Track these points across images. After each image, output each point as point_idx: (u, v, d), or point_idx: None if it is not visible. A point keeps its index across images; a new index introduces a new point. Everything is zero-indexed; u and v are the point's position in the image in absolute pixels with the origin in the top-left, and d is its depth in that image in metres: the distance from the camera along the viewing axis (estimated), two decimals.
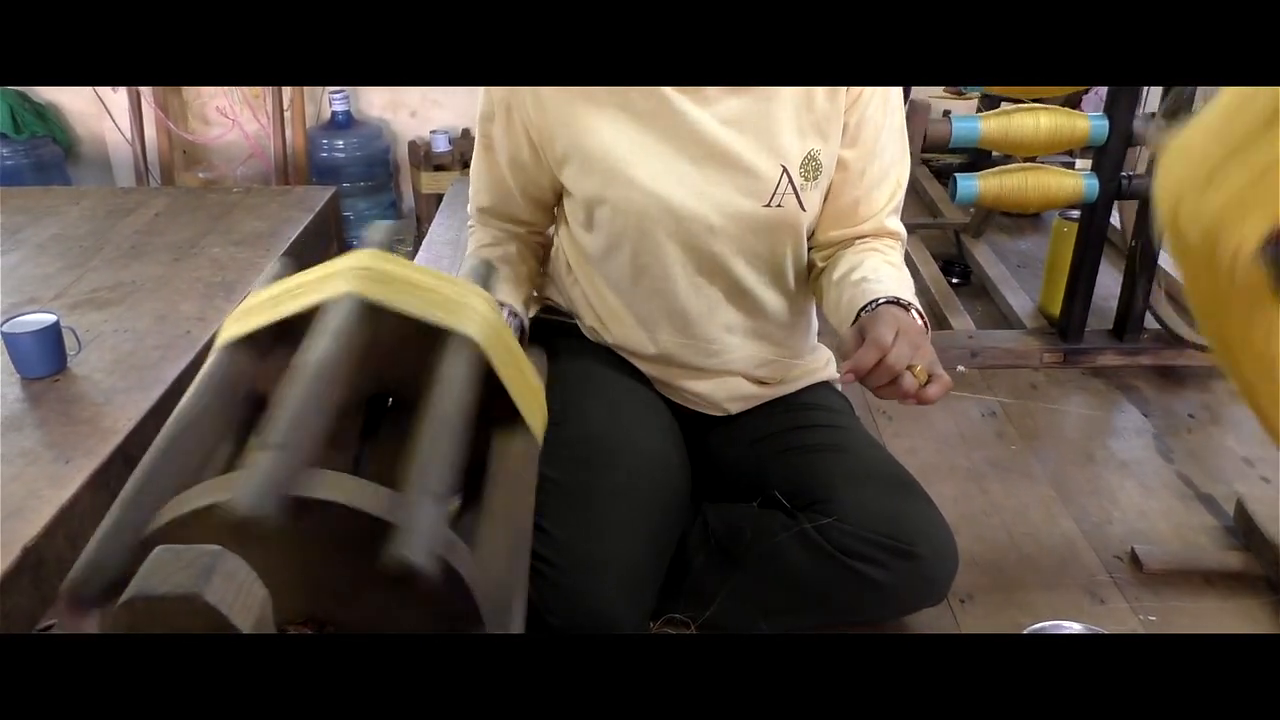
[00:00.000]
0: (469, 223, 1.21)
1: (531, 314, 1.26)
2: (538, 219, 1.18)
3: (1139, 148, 1.48)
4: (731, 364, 1.16)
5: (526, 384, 0.69)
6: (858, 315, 0.99)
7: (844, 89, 1.04)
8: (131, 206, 2.27)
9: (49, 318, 1.58)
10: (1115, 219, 1.98)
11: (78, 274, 1.94)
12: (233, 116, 2.94)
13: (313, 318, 0.60)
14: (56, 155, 2.99)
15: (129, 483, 0.55)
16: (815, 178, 1.06)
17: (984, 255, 1.96)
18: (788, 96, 1.03)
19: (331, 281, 0.63)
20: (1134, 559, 1.20)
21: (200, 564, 0.46)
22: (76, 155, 3.06)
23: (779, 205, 1.05)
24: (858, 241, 1.11)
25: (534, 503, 0.69)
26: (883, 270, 1.05)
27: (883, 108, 1.07)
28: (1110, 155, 1.46)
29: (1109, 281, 1.81)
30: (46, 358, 1.57)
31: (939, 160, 2.44)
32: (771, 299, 1.13)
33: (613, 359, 1.18)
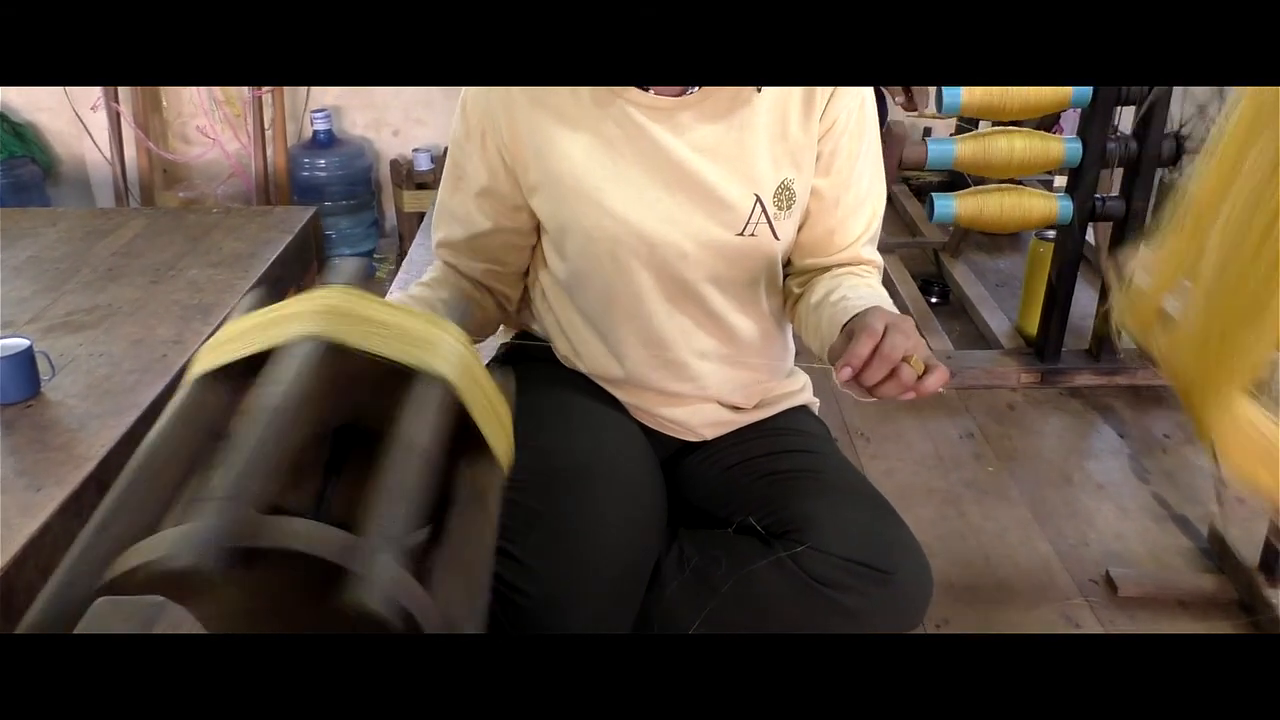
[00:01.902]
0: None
1: (507, 339, 1.26)
2: (502, 257, 1.15)
3: (1112, 169, 1.49)
4: (706, 390, 1.15)
5: (494, 415, 0.68)
6: (841, 331, 0.98)
7: (817, 118, 1.04)
8: (110, 228, 2.26)
9: (22, 342, 1.57)
10: (1092, 237, 2.00)
11: (53, 297, 1.93)
12: (213, 135, 2.94)
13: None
14: (35, 176, 2.98)
15: (89, 524, 0.54)
16: (789, 207, 1.06)
17: (962, 274, 1.97)
18: (761, 126, 1.03)
19: (295, 321, 0.63)
20: (1109, 582, 1.20)
21: (141, 616, 0.45)
22: (56, 175, 3.05)
23: (752, 234, 1.05)
24: (834, 269, 1.11)
25: (494, 535, 0.68)
26: (861, 289, 1.05)
27: (858, 137, 1.07)
28: (1084, 178, 1.47)
29: (1086, 300, 1.82)
30: (19, 383, 1.56)
31: (919, 178, 2.45)
32: (745, 325, 1.13)
33: (588, 386, 1.17)
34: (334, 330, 0.61)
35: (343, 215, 2.97)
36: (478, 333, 1.18)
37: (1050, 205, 1.48)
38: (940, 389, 0.88)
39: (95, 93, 2.87)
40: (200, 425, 0.61)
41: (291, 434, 0.55)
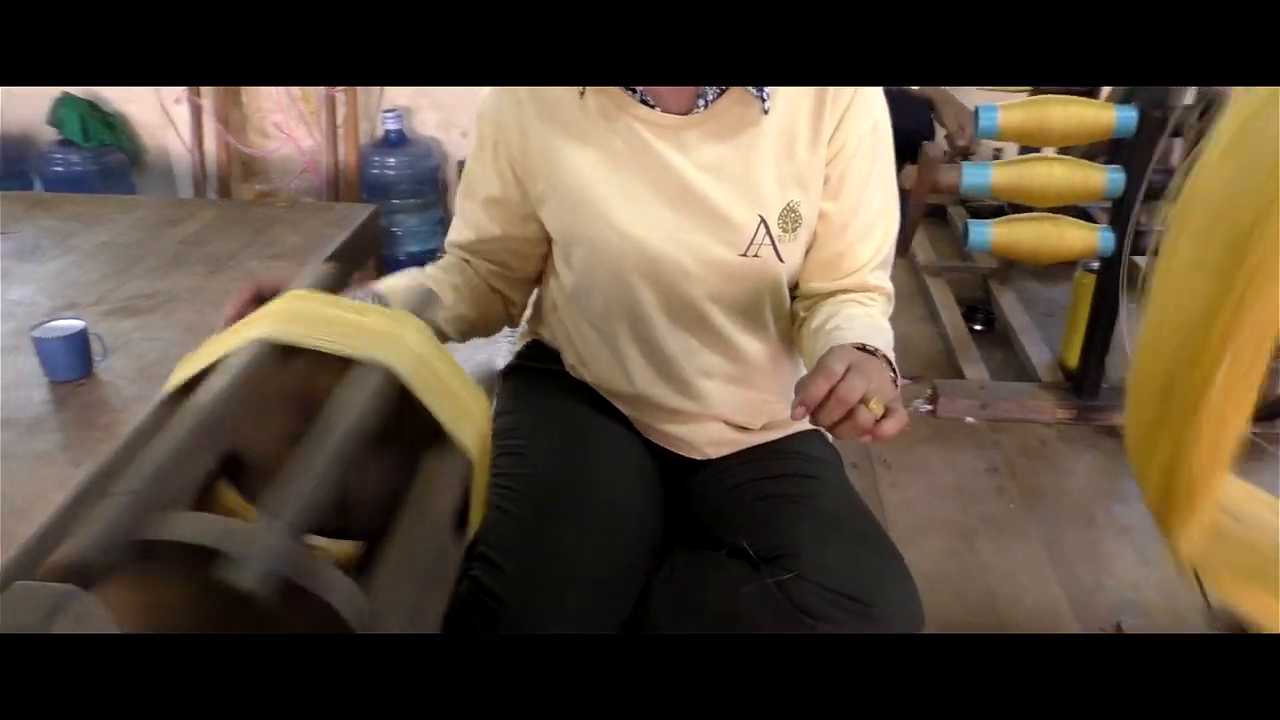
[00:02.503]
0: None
1: (518, 347, 1.27)
2: (508, 261, 1.17)
3: (1158, 201, 1.44)
4: (709, 409, 1.15)
5: (455, 402, 0.69)
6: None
7: (825, 140, 1.03)
8: (180, 217, 2.35)
9: (78, 324, 1.65)
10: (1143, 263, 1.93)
11: (119, 281, 2.02)
12: (288, 131, 3.03)
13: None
14: (122, 163, 3.11)
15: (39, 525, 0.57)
16: (794, 229, 1.05)
17: (1010, 302, 1.92)
18: (769, 147, 1.03)
19: (249, 326, 0.65)
20: (1119, 634, 1.16)
21: (49, 604, 0.47)
22: (142, 164, 3.18)
23: (755, 255, 1.05)
24: (840, 294, 1.10)
25: (450, 527, 0.68)
26: (857, 320, 1.03)
27: (869, 160, 1.06)
28: (1127, 209, 1.42)
29: (1131, 335, 1.76)
30: (72, 363, 1.64)
31: (980, 201, 2.40)
32: (751, 346, 1.13)
33: (593, 398, 1.18)
34: (284, 330, 0.63)
35: (410, 213, 3.04)
36: (481, 325, 1.19)
37: (1090, 237, 1.44)
38: (895, 434, 0.87)
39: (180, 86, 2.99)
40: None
41: (215, 434, 0.57)
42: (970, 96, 2.55)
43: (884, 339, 1.03)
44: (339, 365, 0.62)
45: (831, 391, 0.85)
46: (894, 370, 0.99)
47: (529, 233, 1.14)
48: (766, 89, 1.00)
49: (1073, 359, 1.64)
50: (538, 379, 1.20)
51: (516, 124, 1.06)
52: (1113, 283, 1.49)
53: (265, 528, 0.50)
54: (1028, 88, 2.41)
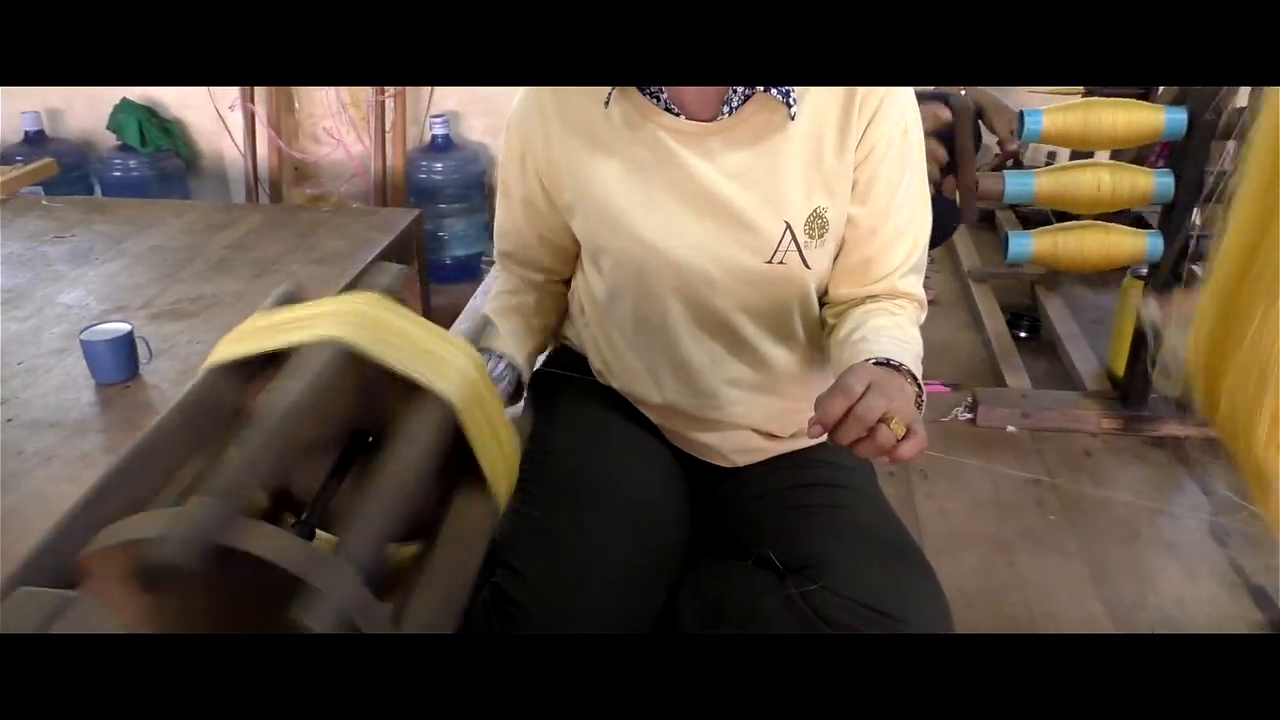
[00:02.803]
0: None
1: (547, 352, 1.27)
2: (557, 266, 1.19)
3: (1210, 204, 1.39)
4: (737, 417, 1.14)
5: (499, 448, 0.69)
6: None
7: (853, 146, 1.01)
8: (229, 222, 2.40)
9: (124, 327, 1.68)
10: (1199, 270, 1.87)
11: (166, 284, 2.06)
12: (338, 137, 3.08)
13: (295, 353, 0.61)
14: (178, 168, 3.19)
15: (81, 496, 0.57)
16: (821, 236, 1.04)
17: (1057, 309, 1.88)
18: (795, 152, 1.01)
19: (322, 322, 0.63)
20: None
21: (48, 609, 0.47)
22: (197, 169, 3.25)
23: (781, 262, 1.03)
24: (869, 301, 1.08)
25: (475, 572, 0.68)
26: (884, 331, 1.01)
27: (899, 164, 1.04)
28: (1177, 213, 1.38)
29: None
30: (118, 365, 1.67)
31: (1029, 206, 2.34)
32: (779, 354, 1.11)
33: (620, 404, 1.18)
34: (355, 336, 0.62)
35: (456, 217, 3.07)
36: (544, 333, 1.22)
37: (1138, 243, 1.39)
38: (915, 456, 0.85)
39: (234, 93, 3.05)
40: (207, 412, 0.63)
41: (298, 437, 0.57)
42: (1015, 99, 2.50)
43: (911, 351, 1.01)
44: (398, 383, 0.61)
45: (850, 410, 0.84)
46: (919, 385, 0.97)
47: (565, 240, 1.14)
48: (793, 94, 0.99)
49: (1120, 367, 1.60)
50: (564, 384, 1.20)
51: (542, 134, 1.06)
52: (1165, 289, 1.44)
53: (340, 565, 0.50)
54: (1077, 89, 2.36)
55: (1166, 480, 1.45)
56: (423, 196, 3.03)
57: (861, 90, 1.01)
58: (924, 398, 0.97)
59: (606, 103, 1.02)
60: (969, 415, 1.55)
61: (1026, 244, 1.42)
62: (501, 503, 0.69)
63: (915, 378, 0.97)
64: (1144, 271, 1.52)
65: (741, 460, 1.17)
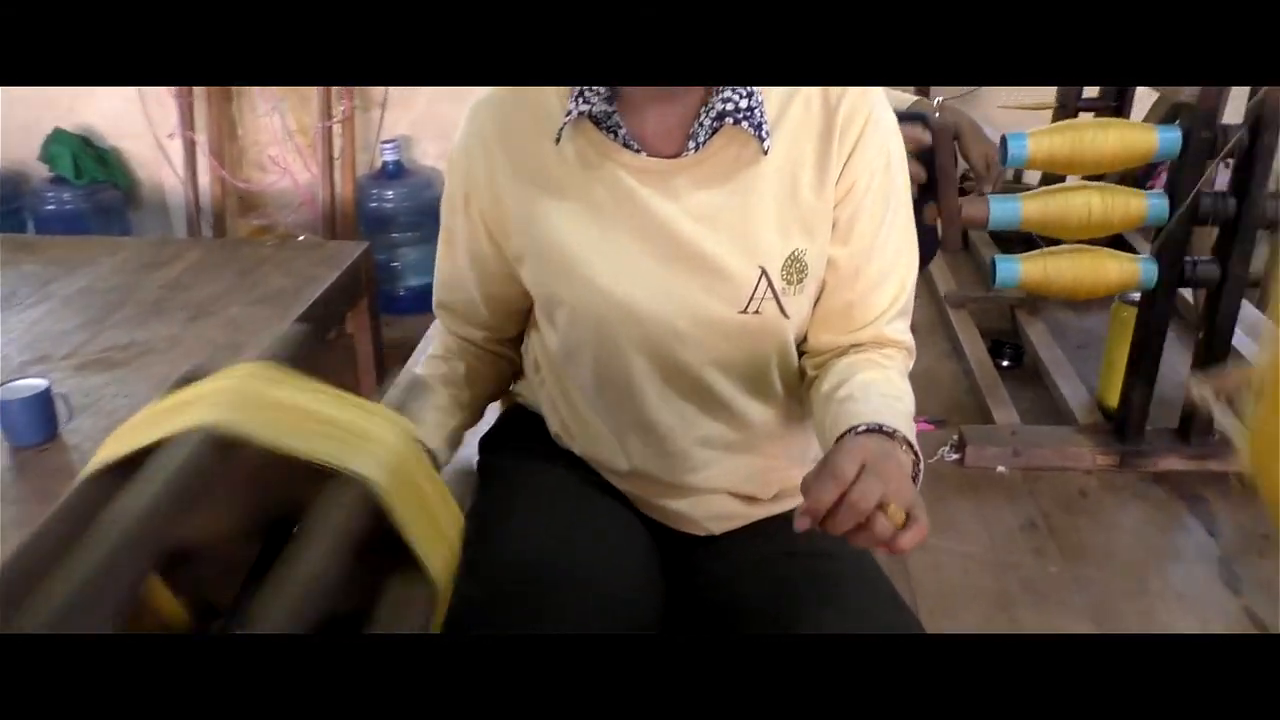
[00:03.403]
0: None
1: (504, 410, 1.16)
2: (503, 325, 1.07)
3: (1206, 228, 1.31)
4: (712, 481, 1.03)
5: (434, 528, 0.61)
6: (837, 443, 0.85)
7: (833, 180, 0.91)
8: (165, 259, 2.27)
9: (40, 384, 1.55)
10: (1189, 294, 1.80)
11: (94, 331, 1.93)
12: (284, 164, 2.95)
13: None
14: (117, 200, 3.05)
15: None
16: (800, 281, 0.93)
17: (1040, 334, 1.79)
18: (769, 190, 0.91)
19: (196, 406, 0.57)
20: None
21: None
22: (137, 201, 3.11)
23: (756, 311, 0.93)
24: (853, 350, 0.98)
25: None
26: (873, 388, 0.91)
27: (882, 199, 0.94)
28: (1172, 238, 1.29)
29: (1177, 371, 1.62)
30: (34, 426, 1.54)
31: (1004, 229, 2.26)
32: (755, 410, 1.01)
33: (581, 469, 1.06)
34: (233, 419, 0.55)
35: (410, 246, 2.95)
36: (485, 403, 1.12)
37: (1131, 269, 1.31)
38: (915, 547, 0.75)
39: (173, 120, 2.92)
40: (76, 530, 0.53)
41: (142, 550, 0.50)
42: (985, 114, 2.43)
43: (903, 411, 0.91)
44: (305, 467, 0.56)
45: (843, 497, 0.73)
46: (915, 453, 0.86)
47: (513, 292, 1.03)
48: (765, 126, 0.89)
49: (1112, 398, 1.51)
50: (518, 449, 1.09)
51: (486, 174, 0.95)
52: (1158, 316, 1.36)
53: None
54: (1048, 104, 2.29)
55: (1169, 520, 1.36)
56: (374, 225, 2.92)
57: (841, 119, 0.91)
58: (921, 467, 0.87)
59: (558, 139, 0.91)
60: (956, 455, 1.45)
61: (1014, 269, 1.33)
62: (442, 587, 0.62)
63: (911, 444, 0.87)
64: (1135, 296, 1.44)
65: (718, 528, 1.06)
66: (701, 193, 0.91)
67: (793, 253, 0.92)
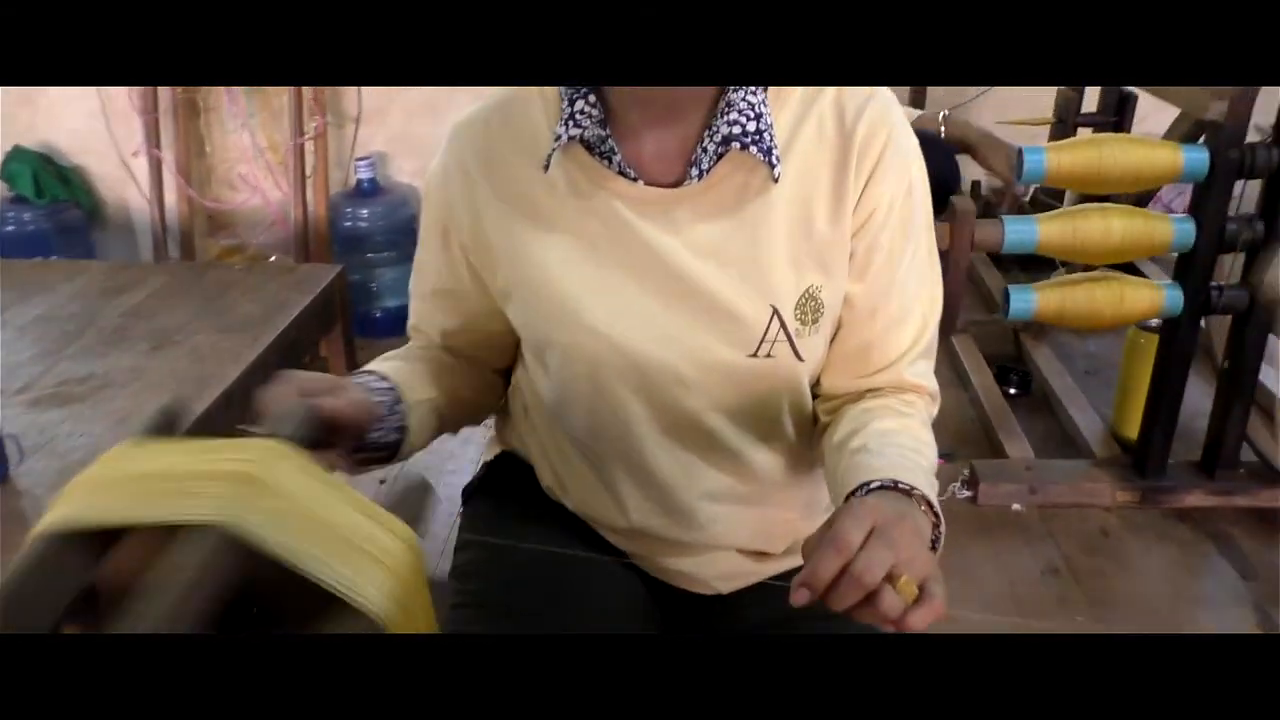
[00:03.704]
0: None
1: (485, 458, 1.06)
2: (491, 358, 0.98)
3: (1232, 254, 1.24)
4: (719, 537, 0.94)
5: (349, 550, 0.54)
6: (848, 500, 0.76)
7: (850, 210, 0.82)
8: (128, 284, 2.16)
9: None
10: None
11: (50, 363, 1.81)
12: (255, 183, 2.84)
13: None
14: (79, 220, 2.93)
15: None
16: (815, 321, 0.84)
17: (1046, 359, 1.71)
18: (779, 221, 0.82)
19: (206, 488, 0.51)
20: None
21: None
22: (101, 221, 2.99)
23: (768, 355, 0.84)
24: (869, 396, 0.89)
25: None
26: (890, 438, 0.82)
27: (902, 230, 0.85)
28: (1198, 263, 1.21)
29: (1196, 397, 1.55)
30: None
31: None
32: (765, 460, 0.92)
33: (575, 525, 0.97)
34: (253, 518, 0.49)
35: (387, 266, 2.85)
36: (466, 415, 0.97)
37: (1155, 296, 1.23)
38: (926, 626, 0.65)
39: (138, 138, 2.80)
40: (53, 603, 0.50)
41: None
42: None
43: (923, 465, 0.81)
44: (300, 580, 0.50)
45: (846, 568, 0.64)
46: (936, 514, 0.76)
47: (497, 326, 0.93)
48: (776, 152, 0.80)
49: (1128, 429, 1.43)
50: (507, 503, 0.99)
51: (467, 203, 0.86)
52: (1181, 346, 1.28)
53: None
54: (1046, 119, 2.22)
55: (1199, 562, 1.28)
56: (349, 245, 2.82)
57: (859, 141, 0.82)
58: (942, 529, 0.77)
59: (546, 166, 0.81)
60: (968, 493, 1.37)
61: (1028, 301, 1.25)
62: (383, 612, 0.54)
63: (931, 503, 0.77)
64: (1153, 323, 1.36)
65: (726, 587, 0.97)
66: (706, 225, 0.82)
67: (807, 290, 0.84)
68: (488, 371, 0.99)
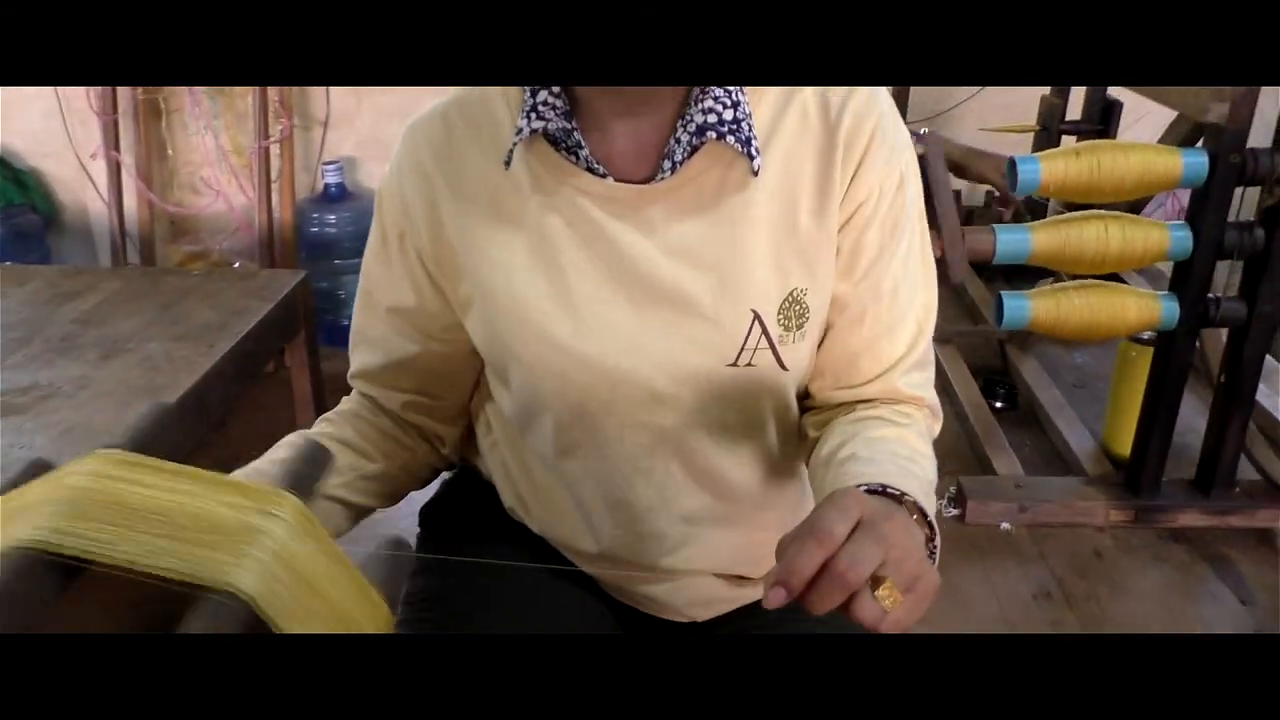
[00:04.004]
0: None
1: (444, 475, 0.99)
2: (438, 390, 0.88)
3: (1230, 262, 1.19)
4: (694, 561, 0.87)
5: (343, 627, 0.51)
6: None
7: (837, 203, 0.76)
8: (79, 290, 2.07)
9: None
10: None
11: None
12: (218, 187, 2.76)
13: None
14: (36, 225, 2.83)
15: None
16: (800, 326, 0.78)
17: (1033, 372, 1.66)
18: (761, 219, 0.75)
19: (25, 515, 0.47)
20: None
21: None
22: (60, 225, 2.90)
23: (750, 364, 0.77)
24: (860, 407, 0.82)
25: None
26: (882, 446, 0.75)
27: (891, 227, 0.79)
28: (1195, 273, 1.16)
29: (1188, 414, 1.50)
30: None
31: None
32: (746, 478, 0.85)
33: (541, 551, 0.90)
34: (72, 530, 0.45)
35: (355, 274, 2.75)
36: (400, 479, 0.89)
37: (1151, 307, 1.18)
38: (911, 624, 0.57)
39: (96, 139, 2.71)
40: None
41: None
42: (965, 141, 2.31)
43: (917, 474, 0.74)
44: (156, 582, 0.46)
45: (828, 564, 0.56)
46: (931, 527, 0.69)
47: (456, 348, 0.85)
48: (755, 142, 0.73)
49: (1120, 445, 1.38)
50: (464, 526, 0.92)
51: (425, 206, 0.78)
52: (1178, 359, 1.23)
53: None
54: (1031, 125, 2.18)
55: (1195, 586, 1.23)
56: (316, 251, 2.74)
57: (845, 130, 0.75)
58: (937, 545, 0.70)
59: (507, 162, 0.75)
60: (955, 510, 1.31)
61: (1023, 309, 1.19)
62: None
63: (925, 514, 0.70)
64: (1145, 335, 1.31)
65: (702, 614, 0.90)
66: (680, 224, 0.75)
67: (791, 293, 0.77)
68: (418, 422, 0.89)
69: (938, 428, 0.85)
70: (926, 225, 0.84)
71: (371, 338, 0.87)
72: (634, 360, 0.76)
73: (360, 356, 0.88)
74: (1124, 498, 1.32)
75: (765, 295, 0.76)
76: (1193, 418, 1.46)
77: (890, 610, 0.56)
